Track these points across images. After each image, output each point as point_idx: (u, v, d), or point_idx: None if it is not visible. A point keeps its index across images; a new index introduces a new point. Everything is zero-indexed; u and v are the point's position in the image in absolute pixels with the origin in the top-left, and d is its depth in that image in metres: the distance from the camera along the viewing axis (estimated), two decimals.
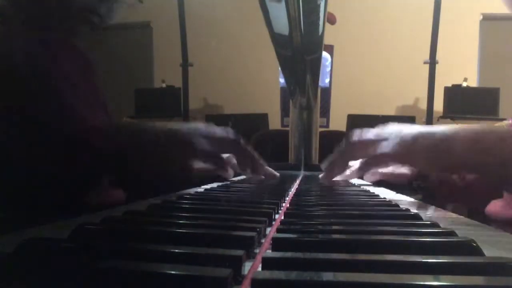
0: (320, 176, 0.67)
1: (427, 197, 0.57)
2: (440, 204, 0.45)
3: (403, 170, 0.65)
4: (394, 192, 0.62)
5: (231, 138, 0.55)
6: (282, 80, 2.45)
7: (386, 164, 0.59)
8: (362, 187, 0.65)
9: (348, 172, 0.66)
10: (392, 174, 0.68)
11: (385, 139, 0.52)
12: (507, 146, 0.44)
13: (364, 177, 0.74)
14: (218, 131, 0.55)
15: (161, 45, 3.89)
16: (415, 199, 0.55)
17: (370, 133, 0.56)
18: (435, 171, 0.53)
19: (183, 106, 3.09)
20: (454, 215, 0.40)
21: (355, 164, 0.66)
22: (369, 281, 0.16)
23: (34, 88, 0.50)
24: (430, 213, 0.40)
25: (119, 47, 3.94)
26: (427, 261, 0.19)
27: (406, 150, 0.49)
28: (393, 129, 0.53)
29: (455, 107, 3.26)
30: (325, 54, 2.50)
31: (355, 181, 0.78)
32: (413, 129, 0.50)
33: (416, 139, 0.48)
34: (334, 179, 0.66)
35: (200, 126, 0.54)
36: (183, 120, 3.13)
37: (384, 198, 0.48)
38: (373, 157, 0.57)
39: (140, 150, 0.49)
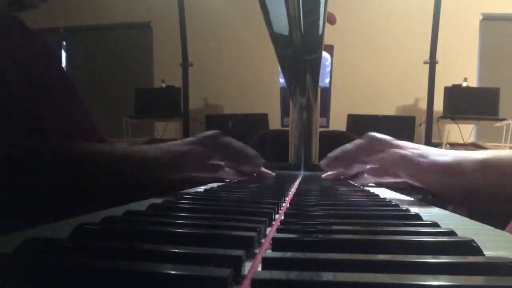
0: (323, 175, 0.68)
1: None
2: (441, 204, 0.45)
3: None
4: (394, 192, 0.62)
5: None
6: (282, 80, 2.46)
7: (396, 177, 0.58)
8: (362, 187, 0.65)
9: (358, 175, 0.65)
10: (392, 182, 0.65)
11: (400, 152, 0.52)
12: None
13: (355, 181, 0.70)
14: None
15: (161, 45, 3.90)
16: (415, 199, 0.55)
17: (387, 139, 0.56)
18: (447, 193, 0.52)
19: (183, 106, 3.09)
20: (454, 215, 0.40)
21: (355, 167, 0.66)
22: (369, 281, 0.16)
23: None
24: (430, 213, 0.40)
25: (119, 47, 3.95)
26: (427, 261, 0.19)
27: (420, 170, 0.48)
28: (414, 146, 0.52)
29: (455, 107, 3.26)
30: (325, 54, 2.50)
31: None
32: (429, 149, 0.50)
33: (432, 159, 0.48)
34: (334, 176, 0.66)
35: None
36: (183, 120, 3.13)
37: (384, 198, 0.48)
38: (383, 168, 0.56)
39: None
